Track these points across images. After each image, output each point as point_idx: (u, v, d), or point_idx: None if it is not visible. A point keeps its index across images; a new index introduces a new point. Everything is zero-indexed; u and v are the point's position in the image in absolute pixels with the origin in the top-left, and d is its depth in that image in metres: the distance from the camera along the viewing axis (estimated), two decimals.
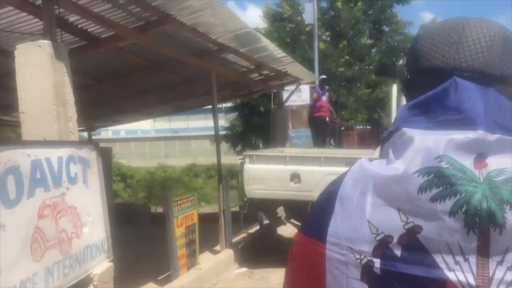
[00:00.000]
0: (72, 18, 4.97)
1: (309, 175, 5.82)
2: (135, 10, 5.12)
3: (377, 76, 16.54)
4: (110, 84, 7.15)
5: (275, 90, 9.56)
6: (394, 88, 5.52)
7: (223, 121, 18.34)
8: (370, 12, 17.22)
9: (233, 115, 17.19)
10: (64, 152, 3.92)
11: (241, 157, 6.62)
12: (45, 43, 4.00)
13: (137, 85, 7.77)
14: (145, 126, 34.73)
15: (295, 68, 8.50)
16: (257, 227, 7.94)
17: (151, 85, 7.90)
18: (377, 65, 16.88)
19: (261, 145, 16.97)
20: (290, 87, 9.77)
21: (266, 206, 6.47)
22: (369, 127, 17.98)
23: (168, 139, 32.73)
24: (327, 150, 8.00)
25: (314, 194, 5.71)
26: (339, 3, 16.90)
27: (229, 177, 7.05)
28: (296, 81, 9.27)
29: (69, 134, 4.35)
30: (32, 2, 4.49)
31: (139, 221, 9.18)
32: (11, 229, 2.99)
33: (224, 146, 18.98)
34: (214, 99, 6.98)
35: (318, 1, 15.97)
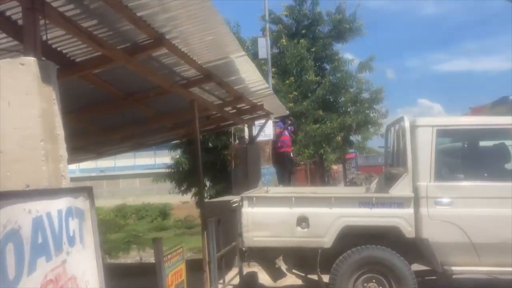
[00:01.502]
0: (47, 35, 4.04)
1: (318, 218, 5.18)
2: (124, 29, 4.30)
3: (323, 112, 16.54)
4: (76, 117, 6.11)
5: (246, 124, 8.94)
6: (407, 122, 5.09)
7: (167, 159, 17.32)
8: (313, 49, 17.39)
9: (178, 152, 16.18)
10: (62, 203, 2.98)
11: (236, 199, 5.81)
12: (30, 60, 3.06)
13: (102, 119, 6.77)
14: (69, 165, 32.25)
15: (272, 101, 7.98)
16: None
17: (118, 119, 6.95)
18: (320, 102, 16.93)
19: (208, 183, 16.16)
20: (259, 121, 9.22)
21: (268, 256, 5.69)
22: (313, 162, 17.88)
23: (94, 179, 30.54)
24: (337, 189, 7.40)
25: (324, 240, 5.08)
26: (284, 40, 16.92)
27: (218, 221, 6.16)
28: (267, 115, 8.74)
29: (60, 179, 3.41)
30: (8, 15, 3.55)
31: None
32: None
33: (167, 185, 17.83)
34: (196, 132, 6.21)
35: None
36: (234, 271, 7.50)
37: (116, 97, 5.96)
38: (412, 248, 5.22)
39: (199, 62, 5.44)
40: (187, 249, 18.24)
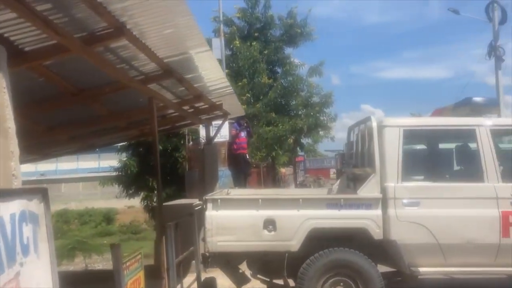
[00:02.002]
0: None
1: (286, 221, 4.99)
2: (81, 16, 3.93)
3: (276, 115, 16.53)
4: (19, 114, 5.57)
5: (204, 125, 8.64)
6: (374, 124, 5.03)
7: (113, 161, 16.64)
8: (266, 52, 17.36)
9: (126, 155, 15.54)
10: (15, 206, 2.60)
11: (198, 202, 5.51)
12: None
13: (49, 117, 6.25)
14: None
15: (230, 100, 7.74)
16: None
17: (67, 118, 6.45)
18: (272, 104, 16.91)
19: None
20: (216, 122, 8.95)
21: (232, 261, 5.42)
22: (265, 165, 17.83)
23: (34, 183, 28.96)
24: (305, 190, 7.22)
25: (292, 243, 4.91)
26: (237, 42, 16.77)
27: (175, 227, 5.81)
28: (225, 115, 8.48)
29: (11, 179, 3.01)
30: None
31: None
32: None
33: (112, 189, 17.11)
34: (154, 131, 5.85)
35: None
36: (190, 277, 7.18)
37: (66, 93, 5.50)
38: (379, 249, 5.16)
39: (160, 56, 5.12)
40: (126, 254, 17.66)
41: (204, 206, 5.11)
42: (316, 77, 17.77)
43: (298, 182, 23.69)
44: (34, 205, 2.89)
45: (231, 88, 7.17)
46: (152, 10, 4.07)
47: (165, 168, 15.11)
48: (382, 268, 5.33)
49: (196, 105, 7.62)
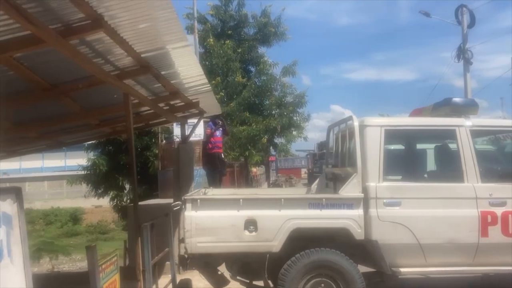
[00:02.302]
0: None
1: (267, 221, 4.89)
2: (56, 6, 3.72)
3: (250, 114, 16.43)
4: None
5: (178, 123, 8.43)
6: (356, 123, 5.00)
7: (80, 160, 16.20)
8: (239, 50, 17.25)
9: (94, 153, 15.14)
10: None
11: (177, 202, 5.34)
12: None
13: (17, 113, 5.95)
14: None
15: (207, 98, 7.57)
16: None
17: (36, 114, 6.16)
18: (246, 104, 16.81)
19: (127, 186, 15.35)
20: (191, 120, 8.76)
21: (211, 262, 5.28)
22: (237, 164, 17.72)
23: None
24: (287, 190, 7.11)
25: (273, 244, 4.82)
26: (211, 40, 16.58)
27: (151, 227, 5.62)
28: (201, 113, 8.31)
29: None
30: None
31: None
32: None
33: (79, 188, 16.68)
34: (130, 129, 5.63)
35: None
36: (163, 278, 7.01)
37: (37, 88, 5.23)
38: (359, 250, 5.12)
39: (137, 51, 4.92)
40: (100, 255, 17.24)
41: (183, 207, 4.95)
42: (290, 77, 17.78)
43: (271, 182, 23.64)
44: (8, 206, 2.70)
45: (208, 85, 7.00)
46: (130, 2, 3.90)
47: (135, 167, 14.82)
48: (362, 269, 5.30)
49: (172, 102, 7.43)
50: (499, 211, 4.97)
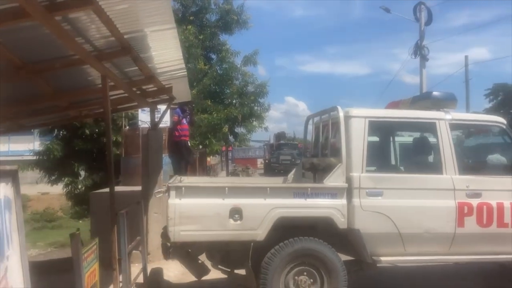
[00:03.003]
0: None
1: (253, 210, 4.85)
2: None
3: (211, 103, 16.25)
4: None
5: (143, 109, 8.18)
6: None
7: (29, 145, 15.45)
8: (201, 37, 16.97)
9: (48, 138, 14.48)
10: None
11: (160, 189, 5.18)
12: None
13: None
14: None
15: (180, 84, 7.38)
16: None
17: (5, 94, 5.73)
18: (207, 92, 16.61)
19: (83, 173, 14.81)
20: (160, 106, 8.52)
21: (193, 251, 5.17)
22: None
23: None
24: (273, 179, 7.03)
25: (258, 233, 4.79)
26: None
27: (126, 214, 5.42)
28: (171, 99, 8.10)
29: None
30: None
31: None
32: None
33: (26, 174, 15.90)
34: (107, 112, 5.40)
35: None
36: (133, 267, 6.82)
37: (9, 65, 4.88)
38: (341, 238, 5.19)
39: (121, 31, 4.70)
40: (47, 244, 16.52)
41: (167, 194, 4.81)
42: (250, 66, 17.70)
43: (230, 171, 23.57)
44: (9, 190, 2.51)
45: (185, 70, 6.83)
46: None
47: (91, 154, 14.32)
48: (342, 257, 5.38)
49: (144, 87, 7.20)
50: (475, 202, 5.18)
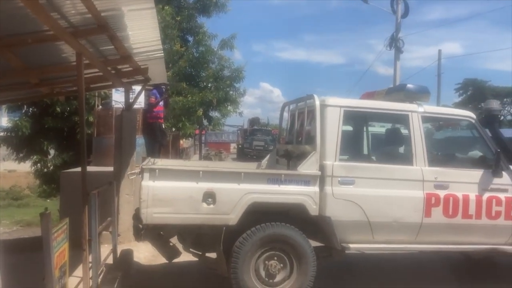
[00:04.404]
0: None
1: (226, 194, 4.87)
2: None
3: (187, 85, 16.10)
4: None
5: (117, 89, 8.04)
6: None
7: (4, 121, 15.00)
8: (178, 18, 16.72)
9: (17, 115, 14.11)
10: None
11: (134, 171, 5.13)
12: None
13: None
14: None
15: (156, 65, 7.29)
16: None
17: None
18: (182, 74, 16.45)
19: (53, 151, 14.53)
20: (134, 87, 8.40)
21: (165, 234, 5.17)
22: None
23: None
24: (248, 164, 7.02)
25: (230, 217, 4.84)
26: None
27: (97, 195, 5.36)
28: (146, 80, 7.99)
29: None
30: None
31: None
32: None
33: (2, 150, 15.56)
34: (82, 90, 5.28)
35: None
36: (103, 248, 6.78)
37: None
38: (313, 225, 5.28)
39: (98, 9, 4.59)
40: (13, 222, 16.20)
41: (140, 176, 4.78)
42: (227, 50, 17.57)
43: (203, 155, 23.49)
44: None
45: (162, 52, 6.73)
46: None
47: (62, 132, 14.05)
48: (312, 243, 5.48)
49: (119, 67, 7.07)
50: (442, 193, 5.34)
